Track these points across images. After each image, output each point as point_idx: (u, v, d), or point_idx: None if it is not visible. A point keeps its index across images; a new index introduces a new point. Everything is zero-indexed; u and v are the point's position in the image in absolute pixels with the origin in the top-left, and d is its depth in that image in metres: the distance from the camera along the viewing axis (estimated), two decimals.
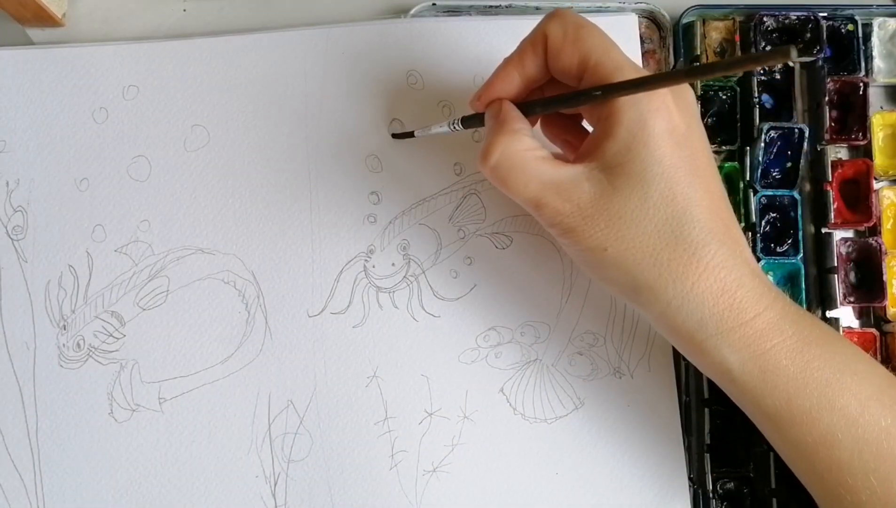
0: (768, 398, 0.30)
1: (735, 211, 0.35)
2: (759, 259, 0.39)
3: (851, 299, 0.39)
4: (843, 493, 0.30)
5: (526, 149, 0.30)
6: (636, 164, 0.29)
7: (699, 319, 0.30)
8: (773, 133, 0.40)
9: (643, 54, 0.41)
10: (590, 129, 0.33)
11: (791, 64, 0.41)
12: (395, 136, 0.39)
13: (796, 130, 0.39)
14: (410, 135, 0.38)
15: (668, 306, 0.30)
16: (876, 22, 0.41)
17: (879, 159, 0.40)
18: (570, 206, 0.30)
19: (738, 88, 0.41)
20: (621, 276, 0.30)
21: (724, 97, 0.41)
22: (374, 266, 0.39)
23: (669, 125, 0.29)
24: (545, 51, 0.31)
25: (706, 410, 0.39)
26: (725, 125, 0.41)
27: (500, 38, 0.40)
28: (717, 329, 0.30)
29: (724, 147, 0.40)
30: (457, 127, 0.35)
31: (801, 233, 0.39)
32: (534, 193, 0.30)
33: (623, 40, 0.33)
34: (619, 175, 0.29)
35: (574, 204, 0.30)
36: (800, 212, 0.39)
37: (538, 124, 0.36)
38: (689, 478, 0.39)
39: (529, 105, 0.32)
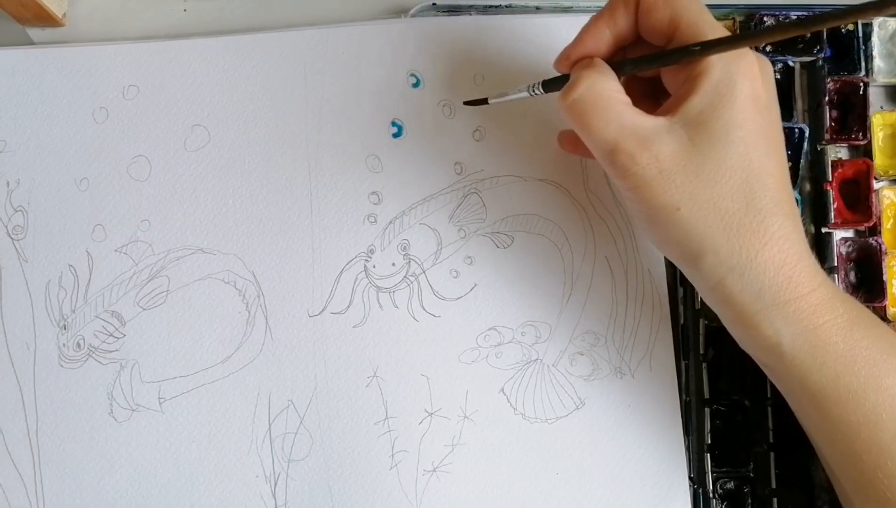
0: (815, 375, 0.30)
1: None
2: None
3: None
4: (880, 476, 0.30)
5: (612, 89, 0.30)
6: (719, 123, 0.29)
7: (758, 289, 0.30)
8: None
9: None
10: None
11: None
12: (467, 103, 0.39)
13: (796, 130, 0.39)
14: (484, 102, 0.38)
15: (731, 271, 0.30)
16: (876, 22, 0.41)
17: (879, 159, 0.40)
18: (647, 155, 0.29)
19: None
20: (688, 239, 0.30)
21: None
22: (374, 266, 0.39)
23: (754, 92, 0.29)
24: (637, 8, 0.31)
25: (706, 410, 0.39)
26: None
27: (501, 38, 0.40)
28: (774, 301, 0.30)
29: None
30: (537, 91, 0.34)
31: None
32: (612, 135, 0.30)
33: None
34: (700, 133, 0.29)
35: (652, 154, 0.29)
36: (800, 212, 0.39)
37: None
38: (689, 478, 0.39)
39: (620, 64, 0.31)
